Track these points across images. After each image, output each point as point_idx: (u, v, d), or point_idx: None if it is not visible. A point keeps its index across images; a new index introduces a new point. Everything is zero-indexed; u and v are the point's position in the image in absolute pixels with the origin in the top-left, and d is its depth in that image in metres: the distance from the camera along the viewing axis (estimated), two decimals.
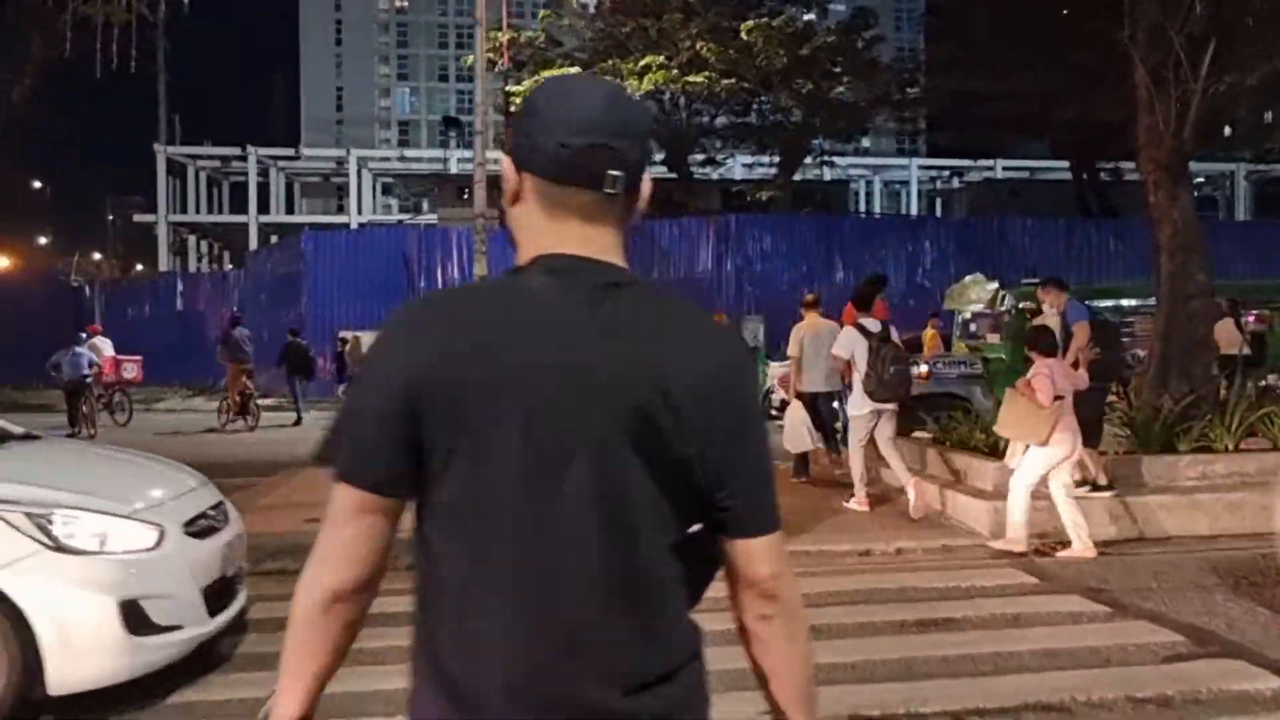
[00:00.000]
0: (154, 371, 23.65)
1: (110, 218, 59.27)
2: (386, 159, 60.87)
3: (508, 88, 25.40)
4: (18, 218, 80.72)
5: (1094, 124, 26.22)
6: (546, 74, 24.23)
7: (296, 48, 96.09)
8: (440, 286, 24.12)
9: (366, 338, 22.75)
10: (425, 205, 54.87)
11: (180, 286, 30.54)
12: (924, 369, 11.11)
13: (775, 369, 17.94)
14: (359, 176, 54.05)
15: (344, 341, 20.80)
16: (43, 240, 78.43)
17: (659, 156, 30.61)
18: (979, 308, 12.20)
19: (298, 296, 24.72)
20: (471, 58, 27.98)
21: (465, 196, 33.67)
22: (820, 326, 9.24)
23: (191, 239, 55.63)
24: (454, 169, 46.08)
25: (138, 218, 53.13)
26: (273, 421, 17.95)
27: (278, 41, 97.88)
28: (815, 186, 36.78)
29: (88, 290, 31.72)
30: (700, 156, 31.01)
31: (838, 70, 25.44)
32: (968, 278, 12.64)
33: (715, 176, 33.99)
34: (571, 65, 23.67)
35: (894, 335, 8.09)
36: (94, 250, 64.10)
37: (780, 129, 29.55)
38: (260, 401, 18.39)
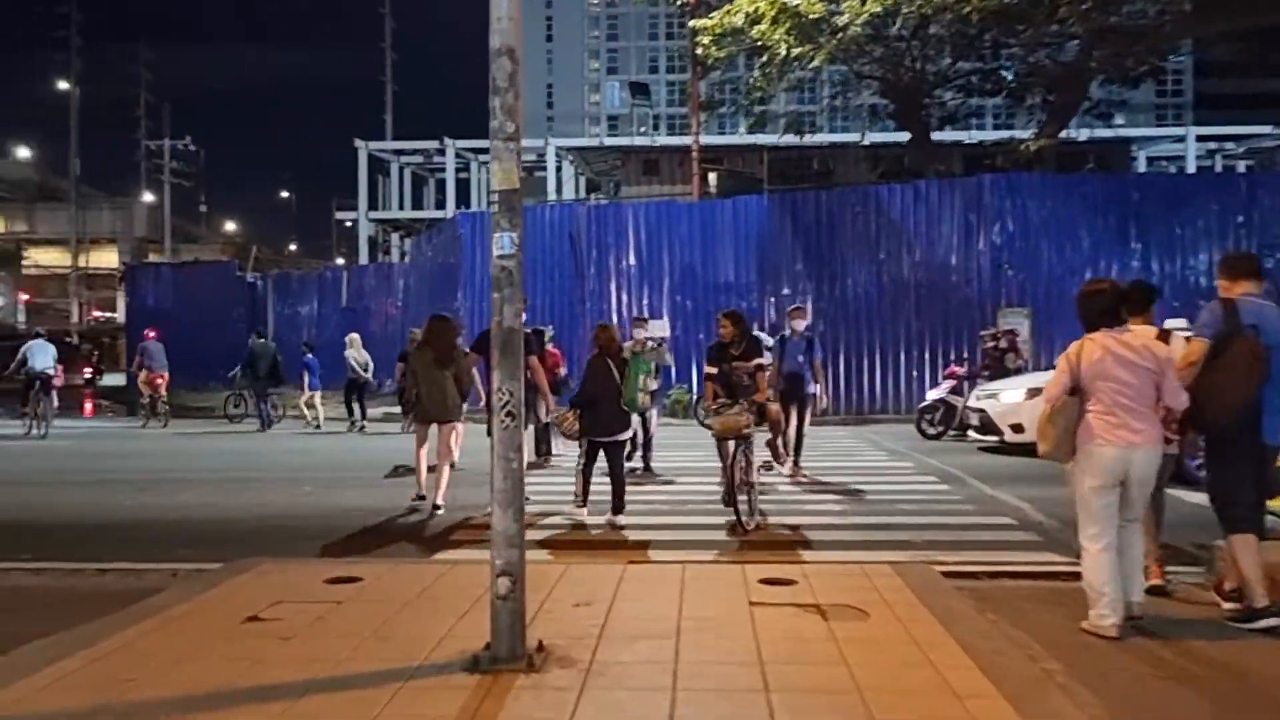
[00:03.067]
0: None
1: (351, 222, 59.60)
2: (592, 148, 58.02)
3: (693, 22, 20.66)
4: (269, 226, 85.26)
5: None
6: (740, 3, 19.33)
7: None
8: (610, 268, 19.85)
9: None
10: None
11: (345, 280, 28.02)
12: None
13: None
14: (559, 167, 51.24)
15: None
16: (292, 247, 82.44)
17: (887, 110, 25.06)
18: None
19: (455, 285, 21.16)
20: None
21: (653, 172, 29.52)
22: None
23: (395, 236, 54.88)
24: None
25: (339, 215, 52.67)
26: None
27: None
28: (1088, 147, 29.68)
29: (259, 285, 29.97)
30: (938, 112, 25.05)
31: None
32: None
33: (955, 140, 27.88)
34: None
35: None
36: (335, 253, 65.54)
37: (1042, 73, 23.25)
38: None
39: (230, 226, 75.46)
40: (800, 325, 10.41)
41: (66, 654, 4.02)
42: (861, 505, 8.73)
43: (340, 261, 54.67)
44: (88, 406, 22.77)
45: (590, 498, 7.92)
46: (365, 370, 17.09)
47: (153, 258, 58.07)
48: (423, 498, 8.62)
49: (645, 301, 19.42)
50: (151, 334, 19.33)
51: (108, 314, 61.34)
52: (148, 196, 64.39)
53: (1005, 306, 18.37)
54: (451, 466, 8.68)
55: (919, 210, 19.13)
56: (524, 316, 9.58)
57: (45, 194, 67.67)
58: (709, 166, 24.67)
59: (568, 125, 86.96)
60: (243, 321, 28.54)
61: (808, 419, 10.36)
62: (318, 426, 17.24)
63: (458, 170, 52.66)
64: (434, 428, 8.80)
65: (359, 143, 50.02)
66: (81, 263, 62.32)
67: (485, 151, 52.94)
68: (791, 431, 10.20)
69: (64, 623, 4.70)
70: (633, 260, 19.77)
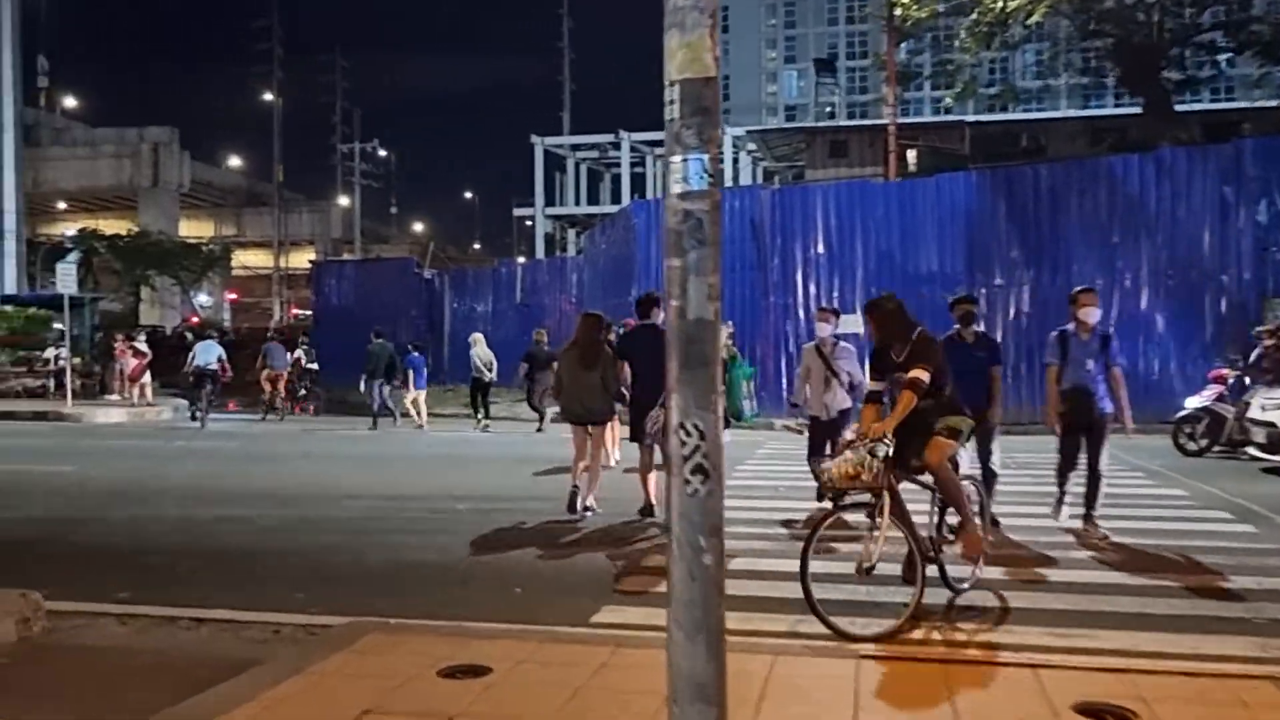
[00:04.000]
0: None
1: (530, 220, 60.21)
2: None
3: None
4: (454, 226, 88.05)
5: None
6: None
7: None
8: (797, 258, 18.01)
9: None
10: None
11: (519, 275, 27.37)
12: None
13: None
14: (735, 159, 49.59)
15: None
16: (476, 245, 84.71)
17: (1110, 78, 22.01)
18: None
19: (629, 278, 19.89)
20: None
21: (841, 154, 27.32)
22: None
23: (571, 233, 54.76)
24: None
25: (518, 213, 52.91)
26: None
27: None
28: None
29: (437, 283, 29.81)
30: (1175, 77, 21.80)
31: None
32: None
33: (1195, 107, 24.31)
34: None
35: None
36: (515, 251, 66.51)
37: None
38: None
39: (418, 227, 77.88)
40: (1091, 317, 7.18)
41: None
42: (1143, 558, 6.63)
43: (521, 260, 55.10)
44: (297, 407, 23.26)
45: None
46: (489, 370, 16.84)
47: (346, 257, 60.40)
48: (589, 509, 8.19)
49: (836, 294, 17.49)
50: (272, 335, 21.79)
51: (306, 311, 64.37)
52: (343, 200, 67.13)
53: (1273, 297, 15.41)
54: (605, 467, 8.33)
55: (1162, 185, 16.34)
56: (660, 314, 7.77)
57: (252, 199, 71.81)
58: (906, 143, 22.35)
59: (743, 117, 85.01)
60: (422, 318, 28.44)
61: (1105, 453, 7.17)
62: (423, 427, 17.00)
63: (633, 164, 51.93)
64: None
65: (535, 138, 50.05)
66: (282, 263, 65.62)
67: (660, 143, 52.30)
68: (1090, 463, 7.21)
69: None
70: (821, 248, 17.89)
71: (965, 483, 5.63)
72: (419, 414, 17.18)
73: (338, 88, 66.78)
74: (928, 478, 5.38)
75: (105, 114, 74.14)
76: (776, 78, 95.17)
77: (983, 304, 16.92)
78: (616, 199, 53.04)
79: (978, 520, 5.50)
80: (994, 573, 5.92)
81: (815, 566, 4.93)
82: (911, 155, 23.02)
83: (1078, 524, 7.28)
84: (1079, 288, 7.87)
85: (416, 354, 17.67)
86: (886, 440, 5.03)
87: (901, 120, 23.34)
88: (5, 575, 6.34)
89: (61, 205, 61.14)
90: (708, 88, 2.16)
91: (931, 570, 5.19)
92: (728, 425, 8.09)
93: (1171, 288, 16.02)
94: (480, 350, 16.83)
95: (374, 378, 17.04)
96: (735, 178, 49.41)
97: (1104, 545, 6.90)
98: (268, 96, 64.02)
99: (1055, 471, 7.48)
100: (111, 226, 51.74)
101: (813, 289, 17.78)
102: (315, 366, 21.57)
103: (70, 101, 62.16)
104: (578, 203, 54.75)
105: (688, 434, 2.14)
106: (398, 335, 26.20)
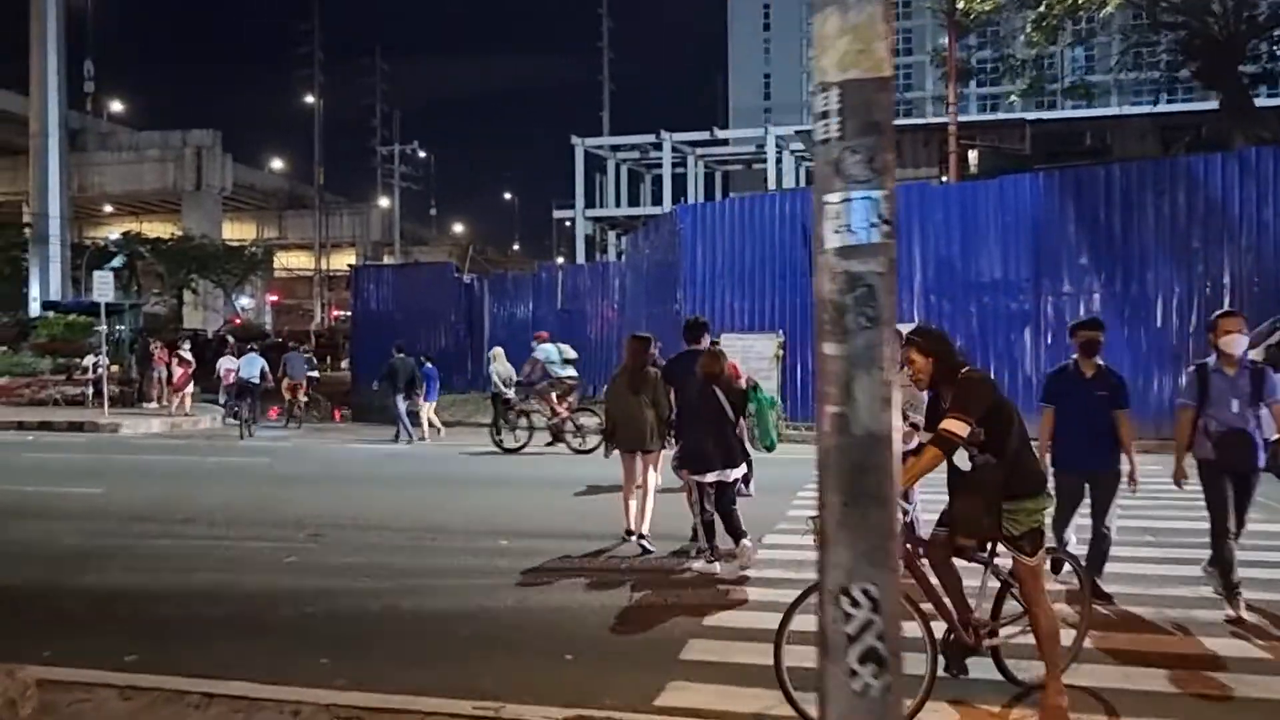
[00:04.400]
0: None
1: (569, 221, 59.89)
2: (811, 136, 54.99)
3: None
4: (494, 228, 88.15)
5: None
6: None
7: (725, 38, 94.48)
8: None
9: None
10: None
11: (561, 280, 26.73)
12: None
13: None
14: (779, 159, 48.67)
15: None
16: (515, 247, 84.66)
17: (1186, 71, 20.87)
18: None
19: (674, 285, 19.20)
20: None
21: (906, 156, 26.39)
22: None
23: (611, 235, 54.15)
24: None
25: (557, 214, 52.40)
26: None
27: (709, 33, 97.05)
28: None
29: (476, 287, 29.26)
30: (1249, 70, 20.65)
31: None
32: None
33: (1272, 102, 23.13)
34: None
35: None
36: (555, 253, 66.30)
37: None
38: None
39: (458, 229, 77.86)
40: (1235, 347, 5.75)
41: None
42: None
43: (560, 261, 54.55)
44: (337, 414, 23.19)
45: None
46: (508, 385, 16.21)
47: (386, 259, 60.40)
48: (644, 541, 7.84)
49: None
50: (294, 346, 23.46)
51: (346, 313, 64.50)
52: (383, 201, 67.17)
53: None
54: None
55: (1246, 186, 15.32)
56: (707, 339, 7.58)
57: (293, 201, 72.14)
58: (965, 143, 21.39)
59: (785, 116, 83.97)
60: (461, 323, 27.91)
61: (1250, 505, 5.89)
62: (439, 433, 17.26)
63: (674, 165, 51.18)
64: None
65: (575, 139, 49.45)
66: (324, 265, 65.77)
67: (701, 144, 51.57)
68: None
69: None
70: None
71: (1063, 561, 4.83)
72: (436, 424, 17.44)
73: (378, 90, 66.89)
74: (983, 554, 4.47)
75: (149, 118, 74.89)
76: None
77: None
78: (658, 200, 52.29)
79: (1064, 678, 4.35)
80: (1104, 640, 5.15)
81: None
82: (972, 155, 22.04)
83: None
84: (1219, 312, 6.27)
85: (430, 365, 17.68)
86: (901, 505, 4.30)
87: (961, 119, 22.35)
88: (9, 626, 5.84)
89: (107, 209, 61.81)
90: (882, 93, 1.44)
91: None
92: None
93: (1257, 296, 14.98)
94: (499, 366, 16.30)
95: (396, 392, 16.93)
96: (779, 179, 48.53)
97: (1186, 573, 6.09)
98: (309, 99, 64.25)
99: (1210, 539, 5.86)
100: (156, 230, 52.09)
101: None
102: (315, 375, 22.76)
103: (116, 106, 62.79)
104: (618, 204, 54.10)
105: (854, 604, 1.42)
106: (439, 340, 25.90)
